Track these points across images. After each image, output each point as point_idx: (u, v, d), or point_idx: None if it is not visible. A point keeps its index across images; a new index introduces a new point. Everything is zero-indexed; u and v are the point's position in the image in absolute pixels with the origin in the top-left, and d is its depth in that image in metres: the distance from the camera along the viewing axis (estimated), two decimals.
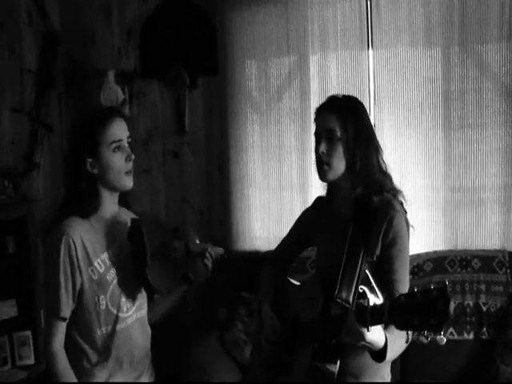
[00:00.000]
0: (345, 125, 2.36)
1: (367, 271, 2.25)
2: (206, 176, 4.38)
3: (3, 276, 3.97)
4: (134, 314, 2.37)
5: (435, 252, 3.70)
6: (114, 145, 2.20)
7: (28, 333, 4.05)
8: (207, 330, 3.95)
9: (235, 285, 4.00)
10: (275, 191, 4.16)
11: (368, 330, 2.04)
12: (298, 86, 4.06)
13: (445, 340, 1.89)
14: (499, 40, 3.59)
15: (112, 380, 2.33)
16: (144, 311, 2.44)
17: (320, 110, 2.48)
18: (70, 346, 2.29)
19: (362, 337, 2.05)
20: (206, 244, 2.45)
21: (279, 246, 2.91)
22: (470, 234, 3.73)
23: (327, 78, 3.97)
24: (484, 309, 3.49)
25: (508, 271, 3.50)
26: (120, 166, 2.22)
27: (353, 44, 3.88)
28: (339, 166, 2.39)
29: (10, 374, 3.96)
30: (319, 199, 2.74)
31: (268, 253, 3.72)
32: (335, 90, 3.91)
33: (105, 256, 2.26)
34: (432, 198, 3.79)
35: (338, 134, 2.36)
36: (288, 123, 4.11)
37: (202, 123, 4.39)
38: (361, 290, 2.10)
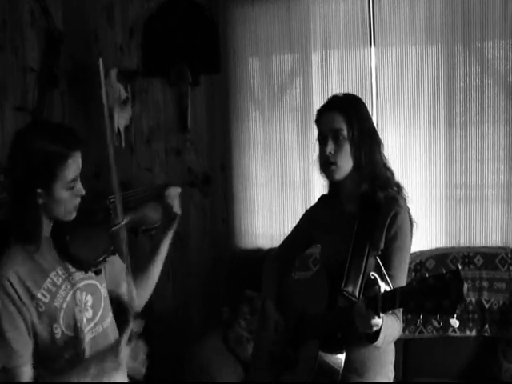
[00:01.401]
0: (351, 124, 2.37)
1: (378, 259, 2.26)
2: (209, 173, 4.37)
3: None
4: (99, 326, 2.27)
5: (438, 249, 3.71)
6: (71, 184, 2.05)
7: None
8: (210, 328, 3.96)
9: (238, 283, 4.01)
10: (278, 189, 4.17)
11: (379, 317, 2.06)
12: (301, 84, 4.07)
13: (458, 323, 1.90)
14: (501, 37, 3.60)
15: None
16: (108, 319, 2.34)
17: (323, 111, 2.48)
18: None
19: (373, 324, 2.07)
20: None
21: (283, 243, 2.91)
22: (472, 231, 3.73)
23: (329, 75, 3.97)
24: (486, 306, 3.49)
25: (511, 268, 3.51)
26: (70, 202, 2.08)
27: (355, 42, 3.89)
28: (346, 165, 2.40)
29: None
30: (324, 197, 2.75)
31: (271, 250, 3.73)
32: (337, 87, 3.92)
33: (48, 282, 2.11)
34: (434, 195, 3.79)
35: (345, 133, 2.36)
36: (290, 120, 4.11)
37: (204, 121, 4.39)
38: (372, 277, 2.09)
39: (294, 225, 2.90)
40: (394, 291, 2.01)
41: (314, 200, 2.94)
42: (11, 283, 2.03)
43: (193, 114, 4.38)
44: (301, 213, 2.90)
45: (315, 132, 3.81)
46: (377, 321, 2.08)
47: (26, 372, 2.07)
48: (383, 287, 2.05)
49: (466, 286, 1.82)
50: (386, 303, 2.01)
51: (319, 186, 3.86)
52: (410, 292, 1.94)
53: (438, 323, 1.88)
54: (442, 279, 1.85)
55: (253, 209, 4.21)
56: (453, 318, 1.85)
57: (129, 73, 4.44)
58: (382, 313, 2.06)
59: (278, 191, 4.16)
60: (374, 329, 2.11)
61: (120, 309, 2.39)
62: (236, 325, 3.80)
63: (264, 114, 4.17)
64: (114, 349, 2.04)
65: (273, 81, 4.14)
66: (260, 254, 3.94)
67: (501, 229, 3.68)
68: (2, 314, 2.03)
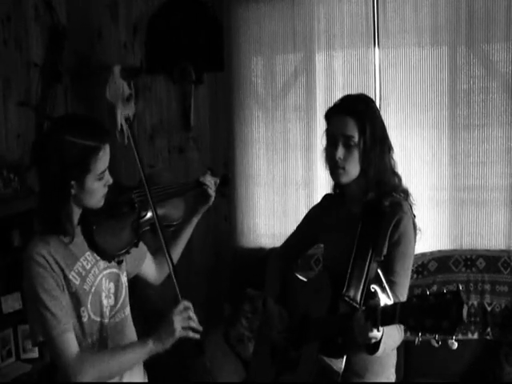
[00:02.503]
0: (363, 131, 2.34)
1: (379, 270, 2.23)
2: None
3: (8, 269, 3.98)
4: (121, 313, 2.35)
5: (440, 251, 3.71)
6: (101, 175, 2.13)
7: None
8: (211, 326, 3.97)
9: (240, 281, 4.02)
10: (280, 188, 4.17)
11: (378, 331, 2.05)
12: (304, 84, 4.06)
13: (456, 344, 1.89)
14: (506, 39, 3.60)
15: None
16: (128, 308, 2.41)
17: (335, 112, 2.44)
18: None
19: (371, 337, 2.06)
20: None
21: (286, 241, 2.90)
22: (475, 234, 3.75)
23: (333, 75, 3.97)
24: (488, 309, 3.50)
25: None
26: (100, 192, 2.16)
27: (359, 42, 3.88)
28: (354, 170, 2.38)
29: (14, 366, 3.98)
30: (328, 196, 2.73)
31: (273, 249, 3.73)
32: (341, 88, 3.93)
33: (78, 266, 2.18)
34: (437, 197, 3.80)
35: (356, 140, 2.34)
36: (293, 120, 4.11)
37: (207, 119, 4.40)
38: (372, 290, 2.08)
39: (296, 224, 2.88)
40: (393, 306, 2.00)
41: (316, 199, 2.94)
42: (47, 260, 2.08)
43: (196, 111, 4.38)
44: (303, 212, 2.89)
45: (318, 132, 3.82)
46: (376, 334, 2.06)
47: (72, 338, 2.11)
48: (383, 300, 2.04)
49: (466, 308, 1.80)
50: (386, 318, 2.00)
51: (322, 186, 3.89)
52: (410, 309, 1.92)
53: (437, 342, 1.87)
54: (442, 299, 1.84)
55: (255, 208, 4.22)
56: (451, 339, 1.85)
57: (132, 70, 4.43)
58: (381, 326, 2.05)
59: (281, 190, 4.17)
60: (373, 341, 2.10)
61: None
62: (237, 323, 3.81)
63: (267, 113, 4.17)
64: (167, 319, 2.11)
65: (276, 80, 4.14)
66: (262, 253, 3.96)
67: (503, 232, 3.69)
68: (41, 286, 2.07)
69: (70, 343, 2.10)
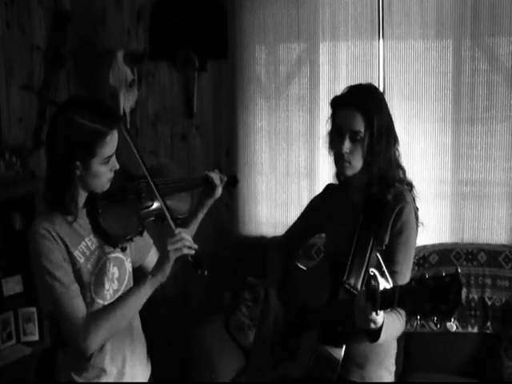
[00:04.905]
0: (370, 126, 2.34)
1: (378, 255, 2.26)
2: (214, 160, 4.38)
3: (10, 252, 3.99)
4: None
5: (441, 244, 3.73)
6: (107, 159, 2.14)
7: (33, 309, 4.07)
8: (212, 314, 3.99)
9: (240, 269, 4.03)
10: (282, 177, 4.17)
11: (377, 314, 2.07)
12: (308, 73, 4.05)
13: (454, 327, 1.91)
14: (511, 33, 3.60)
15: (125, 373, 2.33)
16: None
17: (343, 104, 2.42)
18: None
19: (371, 320, 2.08)
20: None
21: (288, 231, 2.91)
22: (476, 228, 3.76)
23: (337, 66, 3.96)
24: (489, 303, 3.52)
25: None
26: (105, 176, 2.17)
27: (363, 34, 3.87)
28: (359, 164, 2.39)
29: (14, 349, 4.00)
30: (330, 186, 2.74)
31: (274, 238, 3.74)
32: (345, 78, 3.92)
33: (83, 245, 2.20)
34: (439, 191, 3.81)
35: (362, 134, 2.35)
36: (296, 109, 4.09)
37: (210, 107, 4.38)
38: (371, 273, 2.10)
39: (298, 213, 2.90)
40: (392, 290, 2.01)
41: (318, 189, 2.94)
42: (51, 235, 2.12)
43: (199, 98, 4.37)
44: (305, 202, 2.90)
45: (321, 122, 3.82)
46: (375, 317, 2.08)
47: (81, 304, 2.13)
48: (383, 284, 2.06)
49: (464, 290, 1.81)
50: (385, 301, 2.02)
51: (324, 175, 3.90)
52: (409, 292, 1.94)
53: (436, 325, 1.88)
54: (441, 281, 1.85)
55: (257, 196, 4.21)
56: (450, 321, 1.86)
57: (136, 55, 4.41)
58: (380, 310, 2.07)
59: (283, 179, 4.16)
60: (372, 326, 2.11)
61: None
62: (238, 312, 3.83)
63: (270, 101, 4.15)
64: (161, 246, 2.16)
65: (280, 69, 4.11)
66: (263, 242, 3.96)
67: (505, 226, 3.70)
68: (47, 257, 2.10)
69: (80, 308, 2.12)
